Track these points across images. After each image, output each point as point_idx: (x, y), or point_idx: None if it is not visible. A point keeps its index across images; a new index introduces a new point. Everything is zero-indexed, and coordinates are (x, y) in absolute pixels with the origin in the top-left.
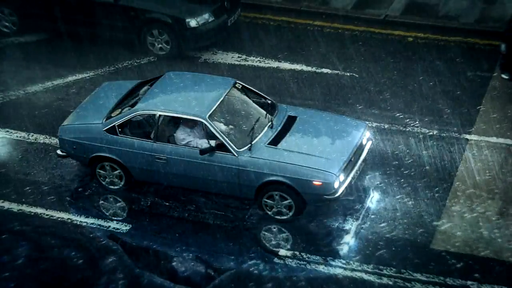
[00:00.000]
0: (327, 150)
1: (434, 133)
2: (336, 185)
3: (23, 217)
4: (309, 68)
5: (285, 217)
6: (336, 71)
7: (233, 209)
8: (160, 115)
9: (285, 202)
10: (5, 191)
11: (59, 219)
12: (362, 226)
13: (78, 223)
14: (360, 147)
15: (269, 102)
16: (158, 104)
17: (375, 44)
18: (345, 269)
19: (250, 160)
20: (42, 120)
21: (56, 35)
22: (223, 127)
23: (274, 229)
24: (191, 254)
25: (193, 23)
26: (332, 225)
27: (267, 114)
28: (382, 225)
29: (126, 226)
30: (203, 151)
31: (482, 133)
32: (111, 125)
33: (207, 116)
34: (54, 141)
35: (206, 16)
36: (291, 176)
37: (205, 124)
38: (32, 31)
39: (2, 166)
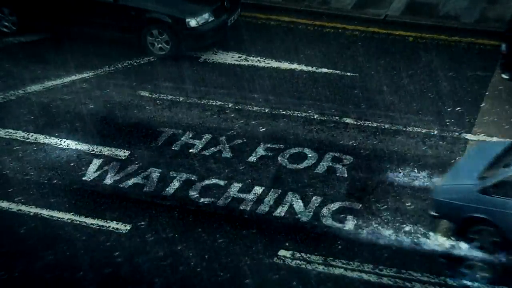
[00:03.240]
0: None
1: (435, 132)
2: None
3: (22, 217)
4: (309, 68)
5: None
6: (336, 71)
7: None
8: None
9: None
10: (5, 191)
11: (59, 219)
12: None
13: (78, 223)
14: None
15: None
16: None
17: (375, 44)
18: (345, 269)
19: None
20: (42, 120)
21: (56, 35)
22: None
23: None
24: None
25: (193, 23)
26: None
27: None
28: (381, 224)
29: (126, 226)
30: None
31: (482, 132)
32: (485, 185)
33: None
34: (54, 141)
35: (206, 16)
36: None
37: None
38: (32, 31)
39: (2, 166)
